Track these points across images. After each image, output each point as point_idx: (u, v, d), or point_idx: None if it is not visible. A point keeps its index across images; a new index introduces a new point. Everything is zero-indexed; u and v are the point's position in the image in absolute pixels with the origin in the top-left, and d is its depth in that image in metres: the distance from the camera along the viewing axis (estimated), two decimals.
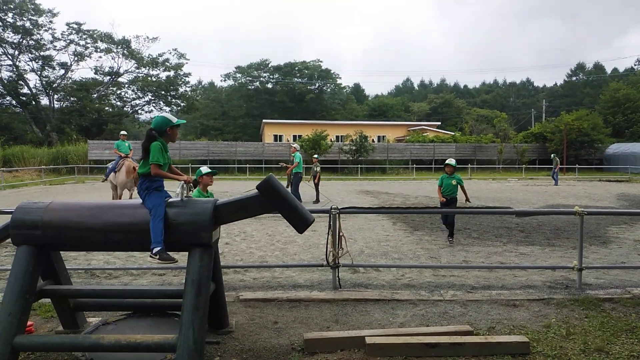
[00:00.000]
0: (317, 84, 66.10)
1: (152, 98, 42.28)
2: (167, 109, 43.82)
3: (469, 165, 31.05)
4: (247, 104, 63.73)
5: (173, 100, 42.89)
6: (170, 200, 3.88)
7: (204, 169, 5.52)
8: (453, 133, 42.20)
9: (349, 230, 9.05)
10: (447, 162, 8.15)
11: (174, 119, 3.98)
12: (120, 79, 41.66)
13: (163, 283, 5.89)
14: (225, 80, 64.68)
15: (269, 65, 64.67)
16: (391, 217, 11.00)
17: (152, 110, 43.72)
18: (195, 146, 34.09)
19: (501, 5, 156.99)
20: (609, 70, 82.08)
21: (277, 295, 5.36)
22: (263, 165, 32.20)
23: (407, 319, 4.85)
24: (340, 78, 67.12)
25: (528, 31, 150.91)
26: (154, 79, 41.41)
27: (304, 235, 8.90)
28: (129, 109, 43.13)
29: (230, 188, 20.41)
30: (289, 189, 14.82)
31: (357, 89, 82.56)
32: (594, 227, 9.94)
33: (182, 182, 3.89)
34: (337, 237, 5.47)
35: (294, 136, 48.01)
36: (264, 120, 49.10)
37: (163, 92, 41.58)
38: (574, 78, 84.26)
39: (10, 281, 3.63)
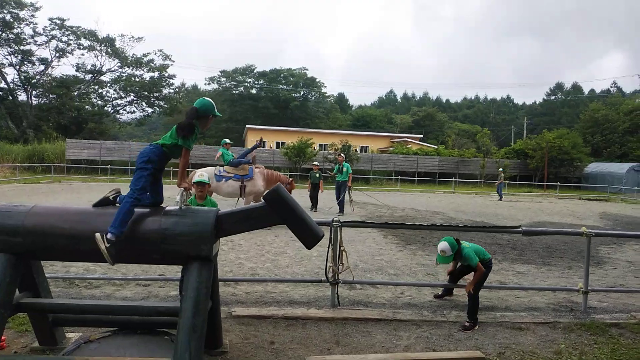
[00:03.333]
0: (302, 92, 66.03)
1: (135, 98, 41.32)
2: (150, 110, 42.92)
3: (453, 179, 31.19)
4: (231, 108, 63.15)
5: (156, 101, 42.06)
6: (168, 208, 3.55)
7: (196, 176, 5.19)
8: (435, 146, 42.52)
9: None
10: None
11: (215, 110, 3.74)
12: (102, 78, 40.67)
13: (149, 295, 5.50)
14: (209, 84, 64.06)
15: (254, 71, 64.32)
16: (381, 230, 10.76)
17: (134, 111, 42.81)
18: None
19: (478, 24, 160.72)
20: (586, 91, 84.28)
21: (272, 312, 5.03)
22: None
23: (411, 341, 4.59)
24: (325, 87, 67.21)
25: (506, 49, 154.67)
26: (138, 79, 40.53)
27: (294, 247, 8.59)
28: (109, 109, 42.10)
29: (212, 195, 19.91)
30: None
31: (341, 99, 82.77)
32: (584, 246, 9.87)
33: (182, 188, 3.57)
34: (338, 251, 5.18)
35: (277, 143, 47.82)
36: (247, 126, 48.73)
37: (146, 93, 40.73)
38: (552, 97, 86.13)
39: None
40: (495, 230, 5.35)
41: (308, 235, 3.57)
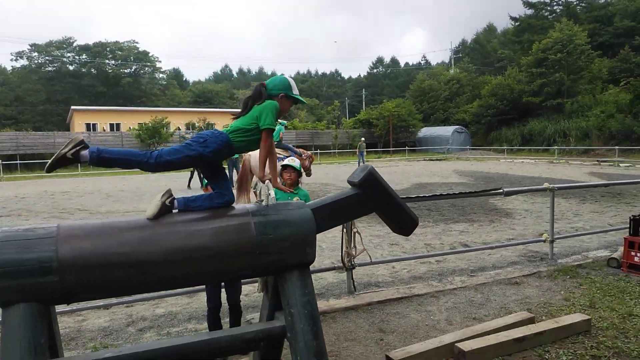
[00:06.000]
0: (133, 67, 60.29)
1: None
2: None
3: (318, 151, 32.11)
4: (48, 87, 54.61)
5: None
6: (251, 207, 2.78)
7: (287, 160, 4.28)
8: (289, 120, 43.18)
9: None
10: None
11: (296, 92, 2.95)
12: None
13: (131, 319, 4.38)
14: (16, 60, 54.11)
15: (74, 44, 56.39)
16: None
17: None
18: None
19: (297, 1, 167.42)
20: (402, 64, 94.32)
21: None
22: None
23: (444, 314, 4.53)
24: (160, 62, 62.38)
25: (326, 25, 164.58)
26: None
27: None
28: None
29: (51, 187, 17.24)
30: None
31: (177, 74, 78.01)
32: (480, 201, 11.08)
33: (268, 181, 2.83)
34: (351, 234, 4.80)
35: (111, 125, 43.29)
36: (72, 107, 42.75)
37: None
38: (375, 70, 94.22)
39: None
40: (478, 195, 5.55)
41: (406, 220, 3.17)
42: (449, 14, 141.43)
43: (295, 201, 3.02)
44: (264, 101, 2.80)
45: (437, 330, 4.16)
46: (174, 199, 2.67)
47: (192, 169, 16.64)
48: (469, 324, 4.28)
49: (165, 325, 4.24)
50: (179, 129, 34.22)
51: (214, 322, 3.69)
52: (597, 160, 23.09)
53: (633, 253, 5.59)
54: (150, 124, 28.51)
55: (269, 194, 2.73)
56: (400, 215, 3.13)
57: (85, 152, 2.45)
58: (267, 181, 2.82)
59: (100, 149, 2.51)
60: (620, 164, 21.04)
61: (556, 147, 28.38)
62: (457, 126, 40.35)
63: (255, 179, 4.84)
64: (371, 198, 3.03)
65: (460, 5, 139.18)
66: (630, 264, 5.62)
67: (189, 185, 16.35)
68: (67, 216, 10.40)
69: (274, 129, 2.82)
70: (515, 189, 5.75)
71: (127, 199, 13.48)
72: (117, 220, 2.59)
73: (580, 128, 29.89)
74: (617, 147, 22.51)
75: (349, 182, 3.19)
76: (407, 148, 34.55)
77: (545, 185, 6.00)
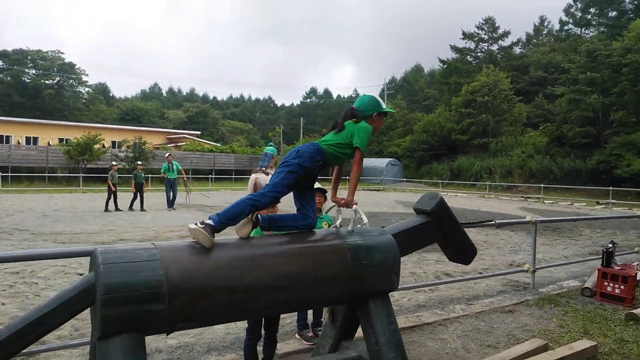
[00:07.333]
0: (56, 79, 56.62)
1: None
2: None
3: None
4: None
5: None
6: (335, 230, 2.72)
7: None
8: (211, 142, 42.47)
9: None
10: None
11: (384, 105, 2.97)
12: None
13: None
14: None
15: None
16: None
17: None
18: None
19: (228, 26, 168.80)
20: (334, 96, 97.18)
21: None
22: (9, 174, 25.38)
23: (459, 342, 4.62)
24: (87, 75, 59.13)
25: (257, 51, 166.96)
26: None
27: None
28: None
29: None
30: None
31: (103, 90, 74.28)
32: None
33: (356, 205, 2.79)
34: None
35: (28, 138, 40.29)
36: None
37: None
38: (308, 100, 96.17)
39: None
40: (476, 225, 5.81)
41: (468, 249, 3.27)
42: (378, 52, 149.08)
43: (376, 227, 2.99)
44: (359, 121, 2.83)
45: (459, 359, 4.24)
46: (258, 214, 2.58)
47: (135, 191, 15.87)
48: (486, 352, 4.41)
49: (184, 357, 3.93)
50: (104, 146, 32.27)
51: (252, 353, 3.51)
52: (523, 197, 25.01)
53: (606, 283, 6.08)
54: (81, 140, 26.60)
55: (361, 219, 2.69)
56: (464, 244, 3.21)
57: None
58: (355, 206, 2.78)
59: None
60: (545, 201, 22.94)
61: (483, 182, 30.38)
62: (391, 158, 41.93)
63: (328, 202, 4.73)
64: (441, 226, 3.09)
65: (389, 44, 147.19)
66: (602, 293, 6.11)
67: (141, 208, 15.61)
68: (7, 237, 9.37)
69: (364, 152, 2.84)
70: (505, 221, 6.11)
71: (68, 220, 12.43)
72: (220, 239, 2.42)
73: (504, 166, 32.29)
74: (542, 185, 24.56)
75: (415, 209, 3.24)
76: (346, 177, 35.17)
77: (528, 218, 6.41)
